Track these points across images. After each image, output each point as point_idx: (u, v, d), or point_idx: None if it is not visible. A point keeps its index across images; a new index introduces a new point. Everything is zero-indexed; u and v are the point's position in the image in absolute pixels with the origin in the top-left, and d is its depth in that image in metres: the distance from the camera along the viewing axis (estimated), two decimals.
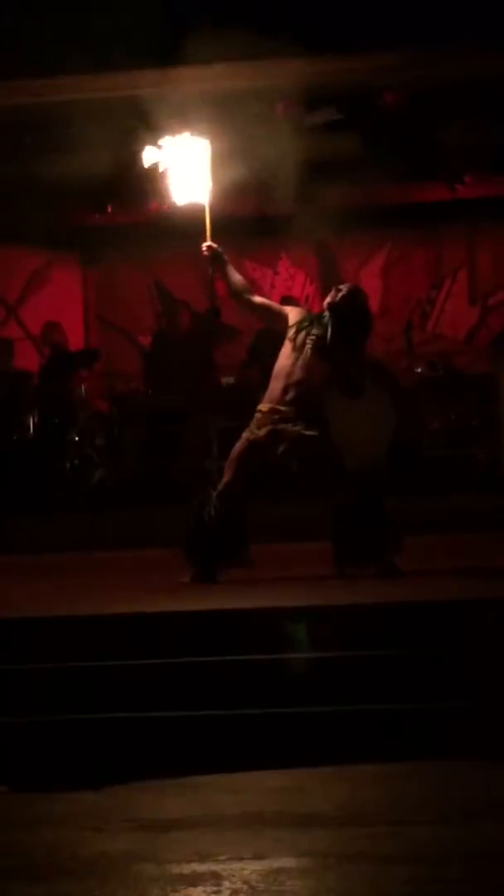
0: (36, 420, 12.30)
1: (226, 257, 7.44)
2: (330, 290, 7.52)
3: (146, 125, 11.70)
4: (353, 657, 5.81)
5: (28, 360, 13.65)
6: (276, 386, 7.34)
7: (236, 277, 7.48)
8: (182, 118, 10.29)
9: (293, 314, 7.44)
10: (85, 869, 4.38)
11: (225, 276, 7.44)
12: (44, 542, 10.27)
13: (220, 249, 7.40)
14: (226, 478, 7.50)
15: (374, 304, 14.56)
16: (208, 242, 7.39)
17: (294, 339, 7.30)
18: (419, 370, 13.09)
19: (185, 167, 7.46)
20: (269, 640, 5.90)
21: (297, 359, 7.29)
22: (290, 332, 7.33)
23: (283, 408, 7.28)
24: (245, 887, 4.10)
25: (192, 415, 12.60)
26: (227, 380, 12.93)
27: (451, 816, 4.69)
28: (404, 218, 14.46)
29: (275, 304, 7.62)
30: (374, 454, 11.31)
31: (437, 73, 10.90)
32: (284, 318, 7.44)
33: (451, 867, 4.19)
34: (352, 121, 11.94)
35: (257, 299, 7.54)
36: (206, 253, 7.39)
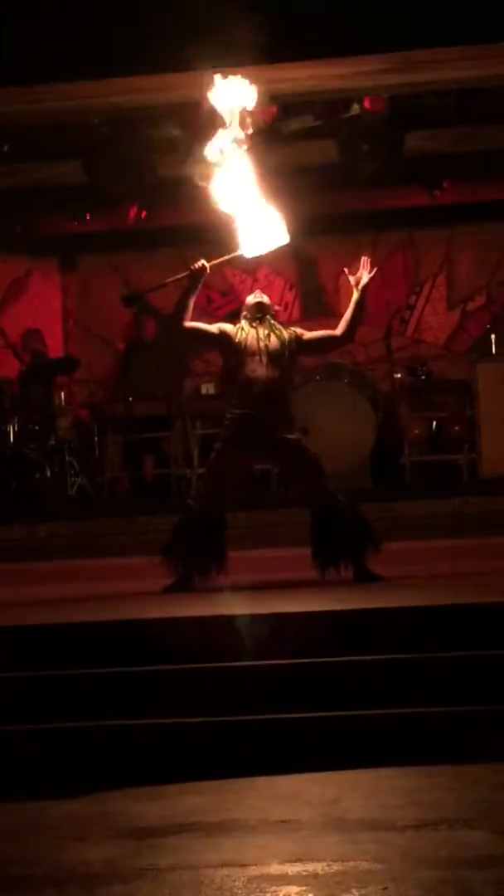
0: (15, 428, 12.28)
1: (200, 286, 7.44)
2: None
3: (116, 132, 11.78)
4: (336, 663, 5.81)
5: (7, 367, 13.62)
6: (244, 391, 7.30)
7: (191, 307, 7.42)
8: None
9: (226, 327, 7.44)
10: (67, 878, 4.37)
11: (186, 297, 7.37)
12: (23, 551, 10.26)
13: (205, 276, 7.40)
14: (204, 486, 7.52)
15: None
16: (205, 263, 7.36)
17: (244, 348, 7.30)
18: (399, 376, 13.11)
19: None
20: (248, 646, 5.90)
21: (258, 362, 7.28)
22: (238, 345, 7.31)
23: (253, 412, 7.27)
24: (227, 895, 4.09)
25: (172, 422, 12.60)
26: (207, 387, 12.93)
27: (430, 822, 4.69)
28: (383, 224, 14.49)
29: (207, 326, 7.55)
30: (353, 459, 11.36)
31: (416, 80, 10.91)
32: (216, 336, 7.43)
33: (430, 872, 4.19)
34: (329, 127, 11.96)
35: (190, 326, 7.41)
36: (197, 267, 7.35)
